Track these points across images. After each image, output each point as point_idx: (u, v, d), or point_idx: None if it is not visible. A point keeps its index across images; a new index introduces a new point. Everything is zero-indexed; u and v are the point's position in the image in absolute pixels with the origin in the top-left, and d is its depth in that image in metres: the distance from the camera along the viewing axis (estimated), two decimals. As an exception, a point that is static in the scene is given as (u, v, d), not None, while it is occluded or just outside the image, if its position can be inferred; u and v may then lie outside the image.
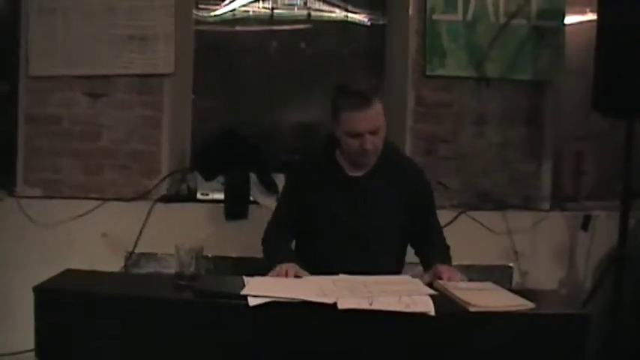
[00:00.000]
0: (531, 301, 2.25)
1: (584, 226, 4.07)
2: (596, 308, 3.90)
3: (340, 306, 2.11)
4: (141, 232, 3.90)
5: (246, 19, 4.49)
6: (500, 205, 4.08)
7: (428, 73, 4.05)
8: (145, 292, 2.38)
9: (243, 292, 2.19)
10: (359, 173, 2.79)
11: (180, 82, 4.19)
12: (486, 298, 2.24)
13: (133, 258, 3.90)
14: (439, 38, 4.03)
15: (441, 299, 2.25)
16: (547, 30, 4.09)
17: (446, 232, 3.85)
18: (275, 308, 2.15)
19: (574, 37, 4.15)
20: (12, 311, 3.72)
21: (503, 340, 2.17)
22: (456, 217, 3.98)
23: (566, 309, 2.34)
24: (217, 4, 4.48)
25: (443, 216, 3.86)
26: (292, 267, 2.52)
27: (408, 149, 4.06)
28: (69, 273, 2.54)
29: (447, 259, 2.73)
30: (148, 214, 3.92)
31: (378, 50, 4.52)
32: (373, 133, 2.63)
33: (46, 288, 2.33)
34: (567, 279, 4.09)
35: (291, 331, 2.16)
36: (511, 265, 4.03)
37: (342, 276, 2.41)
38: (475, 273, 3.74)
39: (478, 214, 4.02)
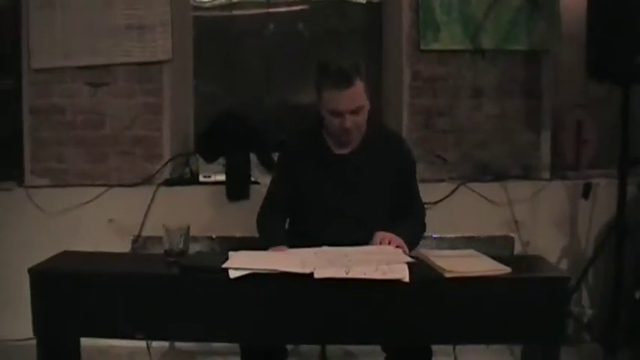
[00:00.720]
0: (516, 266, 2.28)
1: (585, 194, 4.07)
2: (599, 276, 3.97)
3: (317, 275, 2.17)
4: (146, 216, 3.99)
5: (243, 3, 4.54)
6: (499, 176, 4.10)
7: (422, 47, 4.07)
8: (135, 268, 2.48)
9: (225, 265, 2.26)
10: (345, 151, 2.83)
11: (180, 68, 4.26)
12: (463, 264, 2.29)
13: (139, 242, 3.96)
14: (432, 12, 4.05)
15: (419, 267, 2.30)
16: (542, -1, 4.09)
17: (446, 204, 3.97)
18: (255, 280, 2.21)
19: (570, 5, 4.12)
20: (26, 298, 3.83)
21: (480, 304, 2.21)
22: (455, 189, 4.01)
23: (544, 272, 2.35)
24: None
25: (442, 189, 3.97)
26: (284, 250, 2.58)
27: (405, 124, 4.10)
28: (65, 254, 2.64)
29: (408, 232, 2.70)
30: (152, 198, 4.02)
31: (374, 28, 4.54)
32: (354, 112, 2.66)
33: (40, 269, 2.42)
34: (569, 247, 4.11)
35: (271, 301, 2.23)
36: (512, 235, 4.03)
37: (325, 248, 2.47)
38: (476, 244, 3.77)
39: (478, 186, 4.05)
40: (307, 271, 2.19)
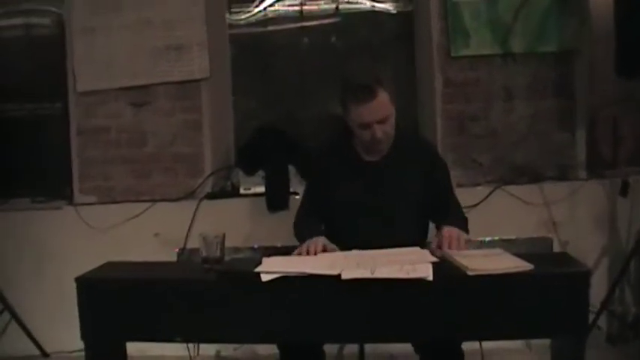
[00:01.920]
0: (539, 263, 2.33)
1: (623, 191, 4.06)
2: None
3: (344, 276, 2.25)
4: (190, 229, 4.11)
5: (277, 19, 4.68)
6: (535, 177, 4.13)
7: (453, 54, 4.14)
8: (174, 275, 2.61)
9: (257, 269, 2.36)
10: (375, 158, 2.91)
11: (218, 85, 4.42)
12: (486, 262, 2.34)
13: (184, 254, 4.10)
14: (461, 19, 4.11)
15: (443, 266, 2.36)
16: (570, -1, 4.12)
17: (482, 207, 4.01)
18: (286, 282, 2.31)
19: (599, 3, 4.12)
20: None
21: (503, 301, 2.26)
22: (491, 193, 4.05)
23: (565, 268, 2.40)
24: (249, 7, 4.68)
25: (478, 192, 4.01)
26: (322, 240, 2.69)
27: (439, 130, 4.17)
28: (109, 264, 2.79)
29: (458, 224, 2.76)
30: (195, 211, 4.16)
31: (406, 37, 4.63)
32: (381, 122, 2.74)
33: (86, 278, 2.56)
34: (609, 246, 4.11)
35: (301, 302, 2.33)
36: (550, 236, 4.04)
37: (354, 251, 2.55)
38: (515, 246, 3.81)
39: (514, 189, 4.09)
40: (334, 272, 2.27)
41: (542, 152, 4.18)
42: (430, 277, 2.23)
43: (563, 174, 4.18)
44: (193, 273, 2.55)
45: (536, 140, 4.18)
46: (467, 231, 2.86)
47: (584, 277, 2.31)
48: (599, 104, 4.29)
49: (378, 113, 2.72)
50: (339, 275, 2.26)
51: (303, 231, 2.94)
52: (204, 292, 2.42)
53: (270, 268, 2.37)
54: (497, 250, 2.57)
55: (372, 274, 2.25)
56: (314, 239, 2.70)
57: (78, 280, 2.51)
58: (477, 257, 2.41)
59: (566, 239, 4.04)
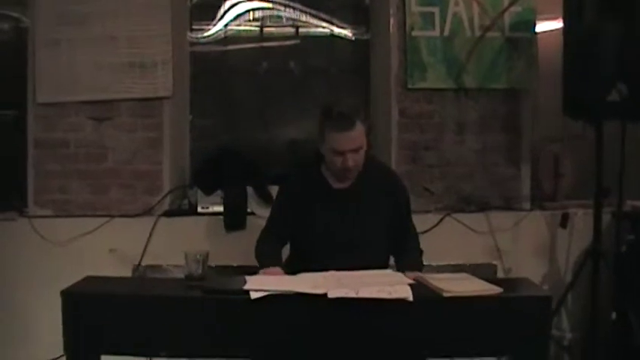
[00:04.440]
0: (505, 287, 2.51)
1: (563, 223, 4.30)
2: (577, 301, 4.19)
3: (330, 295, 2.37)
4: (146, 245, 4.15)
5: (237, 38, 4.76)
6: (482, 206, 4.32)
7: (409, 86, 4.31)
8: (159, 291, 2.68)
9: (245, 287, 2.46)
10: (343, 185, 3.05)
11: (179, 103, 4.46)
12: (459, 285, 2.51)
13: (139, 270, 4.13)
14: (419, 53, 4.30)
15: (419, 287, 2.52)
16: (520, 40, 4.36)
17: (432, 234, 4.16)
18: (273, 300, 2.41)
19: (547, 46, 4.38)
20: (31, 325, 3.99)
21: (474, 321, 2.44)
22: (441, 220, 4.23)
23: (531, 292, 2.58)
24: (209, 24, 4.75)
25: (429, 219, 4.17)
26: (276, 271, 2.83)
27: (394, 158, 4.32)
28: (89, 279, 2.82)
29: (417, 265, 2.98)
30: (153, 228, 4.18)
31: (363, 65, 4.79)
32: (355, 151, 2.90)
33: (72, 291, 2.60)
34: (549, 274, 4.34)
35: (288, 320, 2.43)
36: (495, 263, 4.26)
37: (331, 272, 2.67)
38: (462, 271, 4.00)
39: (462, 216, 4.28)
40: (321, 291, 2.38)
41: (489, 183, 4.38)
42: (411, 298, 2.38)
43: (508, 204, 4.38)
44: (177, 290, 2.62)
45: (485, 172, 4.38)
46: (422, 265, 3.07)
47: (546, 300, 2.51)
48: (543, 141, 4.54)
49: (354, 143, 2.88)
50: (325, 294, 2.38)
51: (262, 257, 3.06)
52: (190, 308, 2.50)
53: (258, 286, 2.46)
54: (464, 275, 2.74)
55: (357, 294, 2.37)
56: (270, 269, 2.84)
57: (63, 293, 2.55)
58: (449, 280, 2.58)
59: (510, 266, 4.25)
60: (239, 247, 4.06)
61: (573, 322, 4.33)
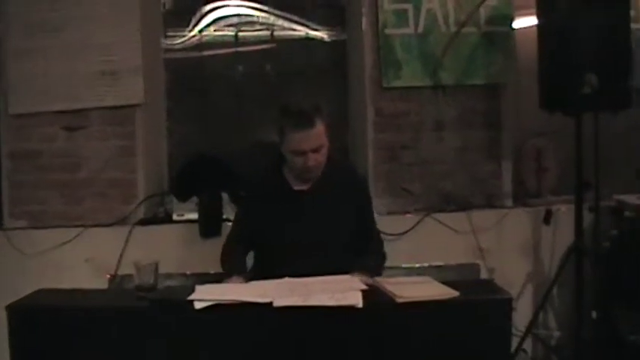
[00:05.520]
0: (466, 290, 2.43)
1: (546, 220, 4.22)
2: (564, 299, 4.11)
3: (275, 304, 2.31)
4: (122, 254, 4.09)
5: (212, 43, 4.71)
6: (463, 205, 4.24)
7: (384, 85, 4.24)
8: (107, 303, 2.62)
9: (190, 297, 2.39)
10: (305, 187, 2.99)
11: (153, 110, 4.42)
12: (414, 289, 2.44)
13: (116, 280, 4.08)
14: (393, 51, 4.22)
15: (373, 293, 2.44)
16: (497, 35, 4.28)
17: (412, 235, 4.10)
18: (219, 310, 2.35)
19: (525, 39, 4.29)
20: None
21: (430, 326, 2.36)
22: (420, 220, 4.15)
23: (488, 295, 2.50)
24: (183, 31, 4.70)
25: (408, 220, 4.11)
26: (240, 280, 2.76)
27: (370, 159, 4.26)
28: (41, 292, 2.77)
29: (371, 268, 2.88)
30: (128, 237, 4.13)
31: (339, 66, 4.73)
32: (315, 151, 2.83)
33: (17, 306, 2.54)
34: (534, 272, 4.26)
35: (234, 330, 2.37)
36: (478, 262, 4.17)
37: (286, 279, 2.60)
38: (444, 273, 3.94)
39: (442, 216, 4.20)
40: (267, 300, 2.32)
41: (470, 181, 4.31)
42: (359, 305, 2.31)
43: (490, 203, 4.31)
44: (127, 300, 2.57)
45: (465, 170, 4.30)
46: (380, 270, 3.00)
47: (506, 304, 2.42)
48: (525, 136, 4.46)
49: (314, 142, 2.81)
50: (272, 303, 2.31)
51: (226, 265, 3.02)
52: (138, 319, 2.44)
53: (204, 296, 2.40)
54: (425, 278, 2.67)
55: (304, 301, 2.31)
56: (233, 277, 2.78)
57: (9, 307, 2.49)
58: (406, 285, 2.51)
59: (493, 266, 4.17)
60: (215, 254, 3.95)
61: (560, 321, 4.24)
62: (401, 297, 2.35)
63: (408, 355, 2.39)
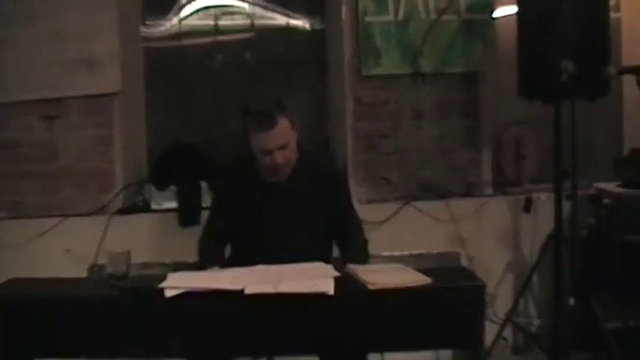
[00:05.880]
0: (439, 277, 2.43)
1: (526, 208, 4.23)
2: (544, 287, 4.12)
3: (247, 291, 2.30)
4: (100, 244, 4.06)
5: (192, 32, 4.68)
6: (442, 194, 4.25)
7: (364, 73, 4.23)
8: (79, 292, 2.60)
9: (161, 285, 2.38)
10: (279, 178, 2.96)
11: (131, 99, 4.39)
12: (387, 276, 2.42)
13: (95, 270, 4.05)
14: (372, 39, 4.21)
15: (345, 280, 2.43)
16: (477, 23, 4.28)
17: (392, 223, 4.10)
18: (190, 298, 2.34)
19: (505, 27, 4.29)
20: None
21: (402, 314, 2.35)
22: (400, 209, 4.15)
23: (461, 282, 2.50)
24: (163, 19, 4.66)
25: (388, 208, 4.10)
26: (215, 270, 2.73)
27: (350, 147, 4.25)
28: (15, 281, 2.75)
29: (361, 256, 2.89)
30: (107, 227, 4.11)
31: (319, 55, 4.71)
32: (282, 148, 2.80)
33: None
34: (514, 260, 4.28)
35: (205, 318, 2.36)
36: (458, 251, 4.16)
37: (259, 266, 2.59)
38: (424, 261, 3.92)
39: (422, 204, 4.20)
40: (238, 287, 2.31)
41: (449, 170, 4.31)
42: (331, 292, 2.30)
43: (469, 191, 4.31)
44: (97, 289, 2.55)
45: (444, 158, 4.31)
46: (367, 255, 2.98)
47: (479, 290, 2.42)
48: (504, 124, 4.46)
49: (279, 140, 2.78)
50: (242, 290, 2.30)
51: (202, 256, 3.02)
52: (109, 308, 2.43)
53: (175, 284, 2.39)
54: (398, 266, 2.67)
55: (275, 289, 2.30)
56: (211, 269, 2.76)
57: (-21, 298, 2.48)
58: (378, 272, 2.50)
59: (473, 254, 4.16)
60: (194, 243, 3.96)
61: (540, 309, 4.25)
62: (373, 284, 2.34)
63: (381, 343, 2.40)
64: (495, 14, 4.31)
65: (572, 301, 3.63)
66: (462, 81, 4.31)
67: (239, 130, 2.90)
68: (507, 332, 4.10)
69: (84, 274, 4.01)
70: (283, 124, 2.77)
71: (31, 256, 4.05)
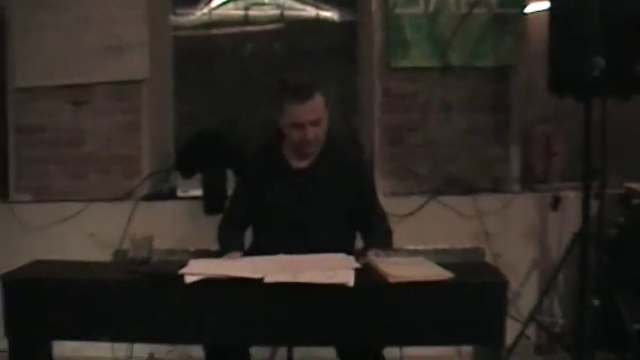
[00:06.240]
0: (462, 272, 2.40)
1: (554, 206, 4.16)
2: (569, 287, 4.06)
3: (266, 280, 2.28)
4: (126, 230, 4.08)
5: (221, 22, 4.68)
6: (469, 189, 4.19)
7: (393, 65, 4.19)
8: (100, 276, 2.61)
9: (181, 271, 2.37)
10: (303, 164, 2.94)
11: (159, 87, 4.41)
12: (408, 269, 2.40)
13: (119, 255, 4.08)
14: (402, 31, 4.17)
15: (366, 272, 2.41)
16: (508, 17, 4.20)
17: (417, 217, 4.06)
18: (210, 285, 2.34)
19: (537, 22, 4.22)
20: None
21: (423, 308, 2.33)
22: (425, 203, 4.11)
23: (483, 277, 2.46)
24: (194, 9, 4.67)
25: (413, 202, 4.07)
26: (236, 256, 2.74)
27: (376, 139, 4.21)
28: (38, 263, 2.78)
29: (385, 244, 2.85)
30: (132, 213, 4.12)
31: (349, 46, 4.68)
32: (314, 124, 2.79)
33: (12, 276, 2.56)
34: (539, 259, 4.20)
35: (224, 305, 2.36)
36: (483, 247, 4.13)
37: (280, 256, 2.58)
38: (448, 256, 3.91)
39: (448, 199, 4.15)
40: (258, 276, 2.30)
41: (476, 165, 4.25)
42: (351, 283, 2.28)
43: (496, 187, 4.25)
44: (118, 274, 2.55)
45: (472, 153, 4.25)
46: (391, 245, 2.93)
47: (501, 286, 2.38)
48: (533, 120, 4.39)
49: (313, 114, 2.77)
50: (262, 279, 2.29)
51: (223, 241, 3.00)
52: (127, 292, 2.43)
53: (195, 270, 2.38)
54: (420, 259, 2.63)
55: (295, 278, 2.28)
56: (231, 254, 2.76)
57: (3, 277, 2.50)
58: (400, 265, 2.47)
59: (498, 251, 4.11)
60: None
61: (565, 308, 4.19)
62: (394, 277, 2.32)
63: (400, 336, 2.37)
64: (527, 9, 4.24)
65: (597, 301, 3.58)
66: (491, 75, 4.25)
67: (272, 104, 2.87)
68: (530, 331, 4.04)
69: (108, 259, 4.07)
70: (319, 99, 2.77)
71: (56, 240, 4.09)
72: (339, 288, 2.27)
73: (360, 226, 3.01)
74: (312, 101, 2.75)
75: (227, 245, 2.90)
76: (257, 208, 2.97)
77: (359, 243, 3.09)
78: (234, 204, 3.11)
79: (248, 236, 3.15)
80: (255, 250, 2.89)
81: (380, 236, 2.95)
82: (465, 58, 4.20)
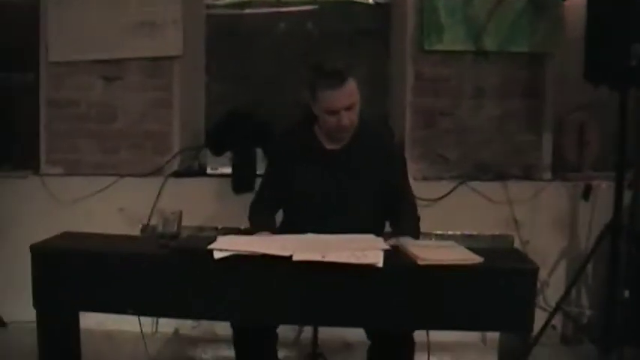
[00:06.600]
0: (492, 258, 2.38)
1: (585, 195, 4.11)
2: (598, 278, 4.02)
3: (295, 258, 2.28)
4: (155, 205, 4.11)
5: (254, 2, 4.68)
6: (500, 175, 4.16)
7: (426, 48, 4.15)
8: (129, 249, 2.62)
9: (210, 247, 2.38)
10: (337, 146, 2.93)
11: (191, 64, 4.41)
12: (437, 253, 2.38)
13: (148, 230, 4.11)
14: (436, 14, 4.12)
15: (395, 254, 2.40)
16: (545, 3, 4.14)
17: (446, 202, 4.04)
18: (238, 261, 2.34)
19: (573, 8, 4.15)
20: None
21: (451, 292, 2.31)
22: (455, 188, 4.08)
23: (514, 263, 2.43)
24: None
25: (443, 187, 4.05)
26: (267, 235, 2.72)
27: (408, 123, 4.19)
28: (67, 234, 2.81)
29: (412, 231, 2.81)
30: (161, 188, 4.15)
31: (382, 29, 4.65)
32: (348, 109, 2.77)
33: (41, 246, 2.59)
34: (568, 248, 4.16)
35: (252, 282, 2.37)
36: (512, 234, 4.09)
37: (309, 234, 2.58)
38: (477, 242, 3.89)
39: (478, 185, 4.12)
40: (286, 254, 2.30)
41: (508, 151, 4.21)
42: (380, 264, 2.27)
43: (527, 174, 4.21)
44: (147, 248, 2.57)
45: (503, 139, 4.21)
46: (419, 233, 2.91)
47: (531, 273, 2.35)
48: (568, 108, 4.33)
49: (347, 100, 2.75)
50: (291, 256, 2.29)
51: (255, 220, 2.99)
52: (156, 266, 2.44)
53: (224, 246, 2.39)
54: (450, 242, 2.61)
55: (323, 257, 2.27)
56: (261, 234, 2.76)
57: (32, 247, 2.52)
58: (429, 248, 2.46)
59: (527, 238, 4.09)
60: (247, 209, 4.00)
61: (593, 300, 4.15)
62: (423, 259, 2.30)
63: (427, 319, 2.35)
64: (566, -5, 4.18)
65: (627, 293, 3.53)
66: (526, 61, 4.19)
67: (305, 89, 2.85)
68: (557, 321, 4.01)
69: (136, 233, 4.10)
70: (352, 84, 2.75)
71: (86, 213, 4.15)
72: (367, 269, 2.26)
73: (389, 210, 2.98)
74: (346, 87, 2.74)
75: (258, 225, 2.90)
76: (288, 189, 2.96)
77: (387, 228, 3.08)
78: (265, 185, 3.11)
79: (278, 215, 3.15)
80: (285, 230, 2.89)
81: (409, 223, 2.91)
82: (499, 43, 4.16)
